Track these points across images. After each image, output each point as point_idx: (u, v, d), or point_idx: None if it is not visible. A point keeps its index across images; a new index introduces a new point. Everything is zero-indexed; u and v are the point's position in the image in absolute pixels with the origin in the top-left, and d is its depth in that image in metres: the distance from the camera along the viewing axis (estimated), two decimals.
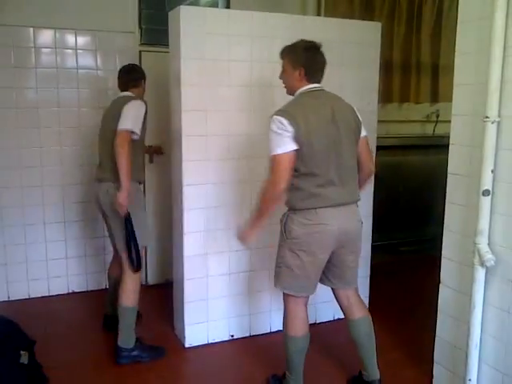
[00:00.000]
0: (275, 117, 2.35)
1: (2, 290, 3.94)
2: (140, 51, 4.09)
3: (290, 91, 2.53)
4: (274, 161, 2.33)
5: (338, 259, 2.54)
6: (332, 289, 2.71)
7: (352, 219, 2.51)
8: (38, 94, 3.91)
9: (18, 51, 3.81)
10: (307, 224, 2.40)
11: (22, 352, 2.71)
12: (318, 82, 2.49)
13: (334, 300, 2.75)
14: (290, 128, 2.30)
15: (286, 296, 2.58)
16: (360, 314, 2.67)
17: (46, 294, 4.09)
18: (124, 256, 3.07)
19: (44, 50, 3.90)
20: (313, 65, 2.44)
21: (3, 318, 2.82)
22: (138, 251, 3.03)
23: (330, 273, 2.61)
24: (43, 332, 3.32)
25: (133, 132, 2.94)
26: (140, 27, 4.12)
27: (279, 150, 2.31)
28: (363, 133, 2.58)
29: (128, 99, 3.06)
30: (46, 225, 4.06)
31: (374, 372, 2.71)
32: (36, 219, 4.02)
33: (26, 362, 2.70)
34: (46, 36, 3.89)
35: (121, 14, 4.03)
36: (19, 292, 4.02)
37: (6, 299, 3.94)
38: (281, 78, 2.56)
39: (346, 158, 2.45)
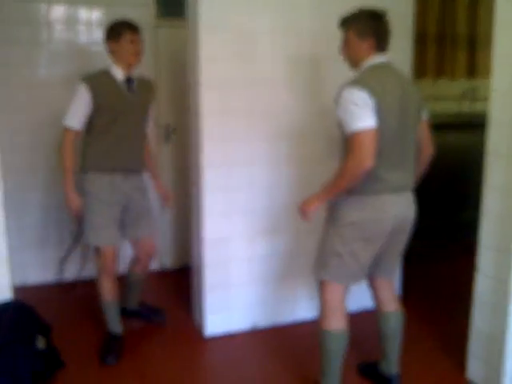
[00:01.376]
0: (353, 89, 2.17)
1: (18, 275, 3.89)
2: (155, 26, 3.96)
3: (355, 63, 2.37)
4: (358, 136, 2.13)
5: (389, 246, 2.41)
6: (371, 280, 2.59)
7: (410, 205, 2.40)
8: (50, 71, 3.84)
9: (30, 27, 3.74)
10: (365, 209, 2.27)
11: (38, 336, 2.72)
12: (384, 53, 2.34)
13: (359, 291, 2.66)
14: (370, 101, 2.13)
15: (325, 287, 2.42)
16: (393, 307, 2.58)
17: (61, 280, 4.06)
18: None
19: (56, 25, 3.81)
20: (381, 34, 2.30)
21: (19, 303, 2.80)
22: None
23: (377, 259, 2.45)
24: (60, 317, 3.32)
25: (70, 128, 2.82)
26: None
27: (363, 124, 2.12)
28: (425, 115, 2.45)
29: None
30: (64, 209, 3.97)
31: (395, 366, 2.63)
32: (53, 202, 3.96)
33: (42, 347, 2.71)
34: (57, 11, 3.79)
35: None
36: (35, 277, 4.00)
37: (22, 284, 3.88)
38: (342, 50, 2.41)
39: (409, 142, 2.33)
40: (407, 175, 2.36)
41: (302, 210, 2.36)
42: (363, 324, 2.95)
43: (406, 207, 2.37)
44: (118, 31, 2.79)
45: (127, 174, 2.94)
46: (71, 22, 3.83)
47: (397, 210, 2.31)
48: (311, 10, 3.05)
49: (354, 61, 2.37)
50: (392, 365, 2.62)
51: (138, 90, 2.91)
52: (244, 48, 2.96)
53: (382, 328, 2.59)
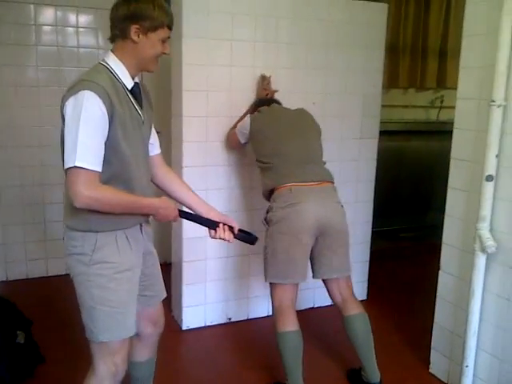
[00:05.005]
0: (248, 117, 2.81)
1: (0, 270, 3.92)
2: None
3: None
4: (233, 133, 2.95)
5: (323, 244, 2.52)
6: (325, 284, 2.66)
7: (329, 200, 2.53)
8: (38, 73, 3.86)
9: (18, 28, 3.76)
10: (284, 206, 2.45)
11: (18, 332, 2.71)
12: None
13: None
14: (248, 128, 2.75)
15: (272, 290, 2.55)
16: (355, 310, 2.59)
17: (45, 275, 4.08)
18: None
19: (45, 27, 3.84)
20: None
21: None
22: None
23: (316, 261, 2.57)
24: (41, 312, 3.29)
25: (88, 170, 1.61)
26: None
27: (238, 134, 2.87)
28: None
29: (70, 90, 1.66)
30: (46, 205, 4.03)
31: (375, 374, 2.59)
32: (35, 199, 3.99)
33: (22, 342, 2.70)
34: (46, 13, 3.83)
35: None
36: (17, 272, 4.01)
37: (5, 279, 3.93)
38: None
39: (310, 142, 2.64)
40: (317, 170, 2.59)
41: None
42: None
43: (325, 201, 2.50)
44: (157, 21, 1.73)
45: (142, 223, 1.94)
46: (60, 24, 3.85)
47: (315, 202, 2.45)
48: (290, 21, 3.16)
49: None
50: (371, 373, 2.58)
51: (145, 101, 1.91)
52: (224, 55, 3.05)
53: (350, 334, 2.60)
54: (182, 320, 3.28)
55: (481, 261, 2.39)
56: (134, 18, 1.71)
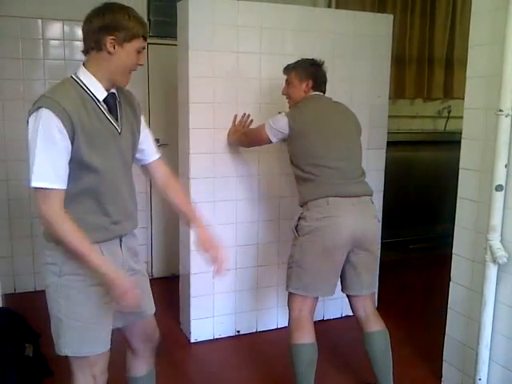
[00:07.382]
0: (283, 115, 2.52)
1: (8, 282, 3.92)
2: (148, 43, 4.04)
3: (294, 102, 2.62)
4: (258, 130, 2.69)
5: (355, 259, 2.45)
6: (349, 299, 2.62)
7: (367, 214, 2.45)
8: (46, 86, 3.89)
9: (25, 43, 3.80)
10: (319, 218, 2.36)
11: (26, 345, 2.71)
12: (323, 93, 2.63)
13: (343, 297, 2.68)
14: (286, 129, 2.50)
15: (292, 299, 2.50)
16: (377, 327, 2.55)
17: None
18: None
19: (52, 41, 3.89)
20: (318, 77, 2.60)
21: (7, 311, 2.83)
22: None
23: (347, 276, 2.51)
24: (49, 325, 3.27)
25: (49, 189, 1.63)
26: (148, 19, 4.07)
27: (268, 132, 2.58)
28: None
29: (33, 105, 1.68)
30: None
31: None
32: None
33: (30, 355, 2.70)
34: (54, 28, 3.88)
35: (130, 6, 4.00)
36: (25, 285, 4.00)
37: (12, 292, 3.92)
38: (285, 92, 2.68)
39: (352, 150, 2.51)
40: (357, 182, 2.48)
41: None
42: None
43: (363, 216, 2.42)
44: (132, 31, 1.70)
45: (122, 237, 1.88)
46: (67, 38, 3.90)
47: (352, 217, 2.37)
48: (296, 33, 3.18)
49: (294, 100, 2.63)
50: None
51: (124, 111, 1.83)
52: (230, 67, 3.07)
53: (369, 350, 2.55)
54: (190, 333, 3.26)
55: (492, 272, 2.36)
56: (110, 29, 1.68)
